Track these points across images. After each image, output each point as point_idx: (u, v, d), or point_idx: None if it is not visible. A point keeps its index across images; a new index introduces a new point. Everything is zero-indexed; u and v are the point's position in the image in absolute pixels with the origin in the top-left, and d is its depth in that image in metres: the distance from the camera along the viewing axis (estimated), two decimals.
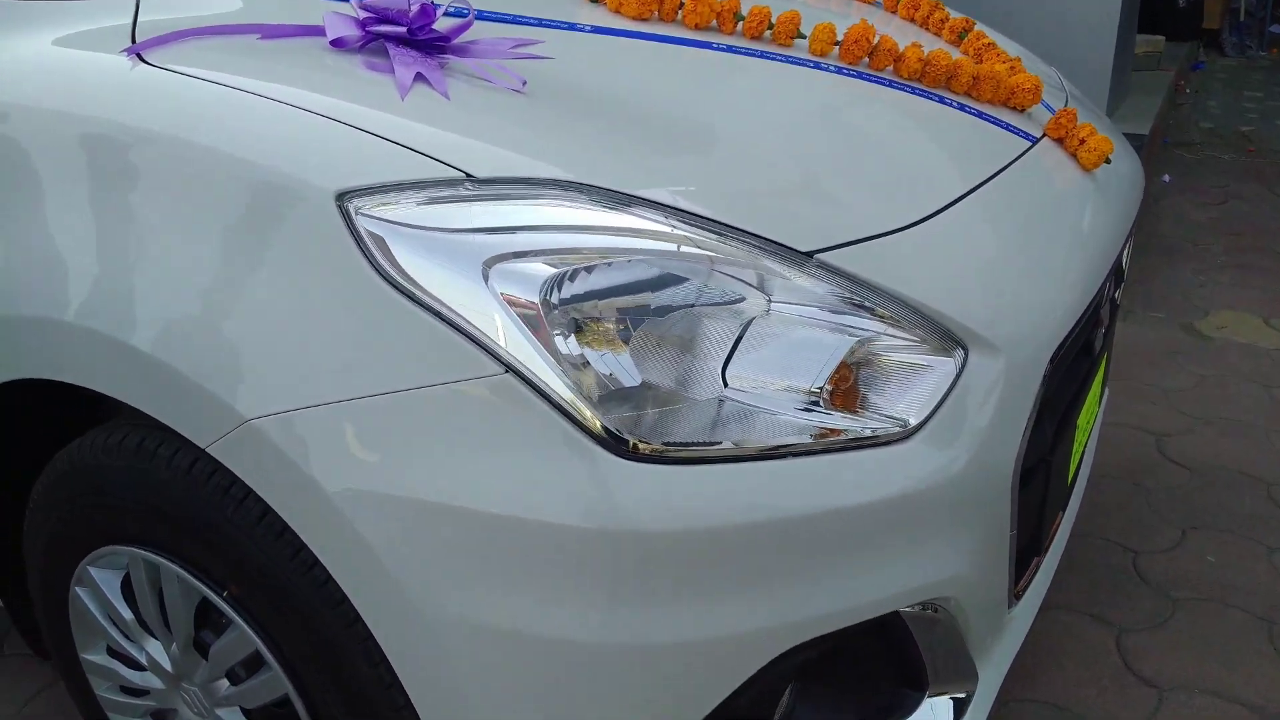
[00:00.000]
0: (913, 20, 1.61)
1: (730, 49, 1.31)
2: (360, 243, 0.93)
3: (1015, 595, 1.25)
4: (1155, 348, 2.87)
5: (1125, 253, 1.62)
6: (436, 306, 0.91)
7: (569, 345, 0.92)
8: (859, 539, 0.98)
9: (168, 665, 1.22)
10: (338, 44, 1.10)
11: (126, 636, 1.25)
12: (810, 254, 0.99)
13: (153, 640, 1.23)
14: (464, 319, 0.91)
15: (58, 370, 1.05)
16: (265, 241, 0.95)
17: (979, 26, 1.58)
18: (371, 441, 0.92)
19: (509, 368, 0.91)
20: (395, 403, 0.92)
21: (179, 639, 1.18)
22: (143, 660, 1.25)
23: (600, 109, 1.10)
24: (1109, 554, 1.98)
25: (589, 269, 0.94)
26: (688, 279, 0.96)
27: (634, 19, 1.33)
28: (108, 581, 1.22)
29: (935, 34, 1.58)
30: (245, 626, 1.09)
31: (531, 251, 0.93)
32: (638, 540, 0.92)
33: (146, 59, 1.07)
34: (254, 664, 1.13)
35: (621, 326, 0.94)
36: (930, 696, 1.14)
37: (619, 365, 0.94)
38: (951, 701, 1.16)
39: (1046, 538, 1.33)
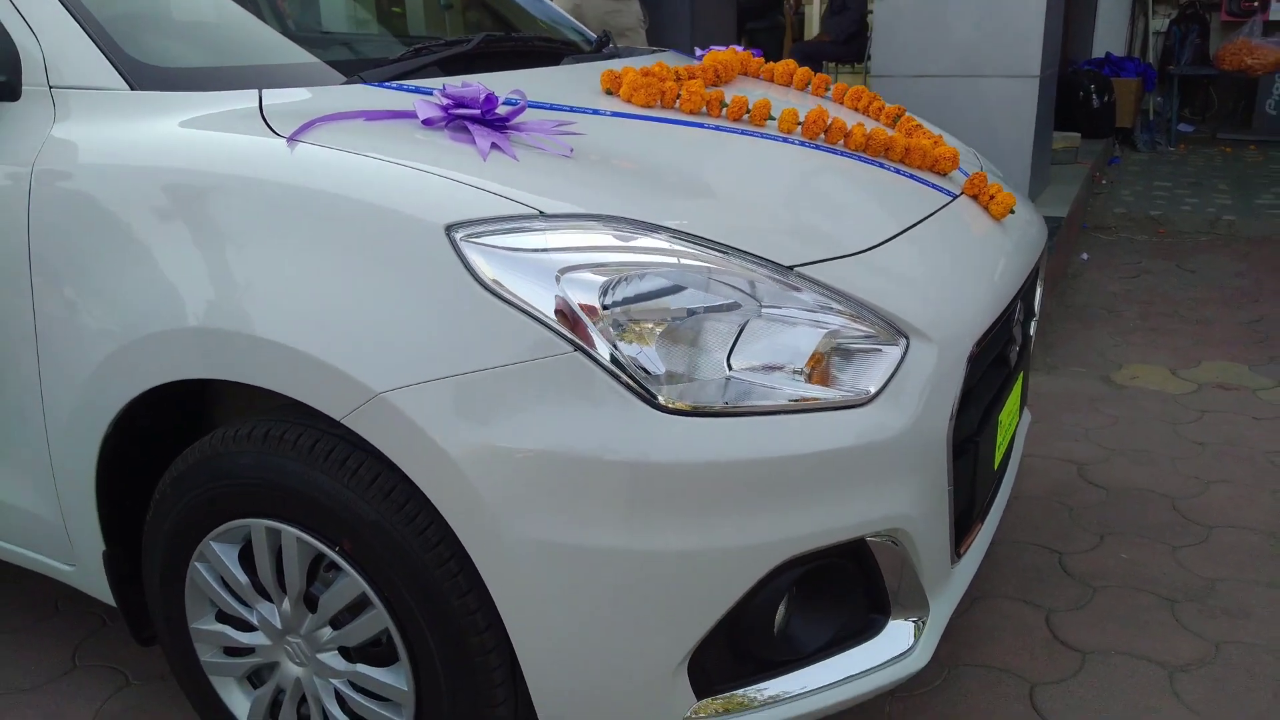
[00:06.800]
0: (856, 109, 2.00)
1: (718, 128, 1.68)
2: (464, 260, 1.26)
3: (957, 554, 1.57)
4: (1076, 396, 3.26)
5: (1038, 290, 2.00)
6: (523, 305, 1.24)
7: (618, 332, 1.25)
8: (832, 476, 1.31)
9: (277, 622, 1.49)
10: (428, 123, 1.45)
11: (240, 601, 1.52)
12: (791, 268, 1.34)
13: (264, 602, 1.50)
14: (543, 313, 1.24)
15: (228, 371, 1.35)
16: (394, 262, 1.28)
17: (909, 113, 1.97)
18: (475, 405, 1.24)
19: (577, 347, 1.23)
20: (492, 376, 1.24)
21: (291, 594, 1.46)
22: (253, 620, 1.52)
23: (627, 168, 1.46)
24: (1037, 555, 2.32)
25: (629, 278, 1.27)
26: (700, 287, 1.30)
27: (642, 106, 1.70)
28: (227, 553, 1.50)
29: (874, 118, 1.97)
30: (355, 575, 1.38)
31: (588, 265, 1.27)
32: (668, 469, 1.24)
33: (298, 139, 1.39)
34: (357, 608, 1.41)
35: (654, 321, 1.27)
36: (893, 619, 1.46)
37: (653, 349, 1.27)
38: (909, 626, 1.47)
39: (979, 510, 1.66)
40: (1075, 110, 7.35)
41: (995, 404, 1.67)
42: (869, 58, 9.04)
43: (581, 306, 1.25)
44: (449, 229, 1.27)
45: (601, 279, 1.26)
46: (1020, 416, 2.03)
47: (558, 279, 1.25)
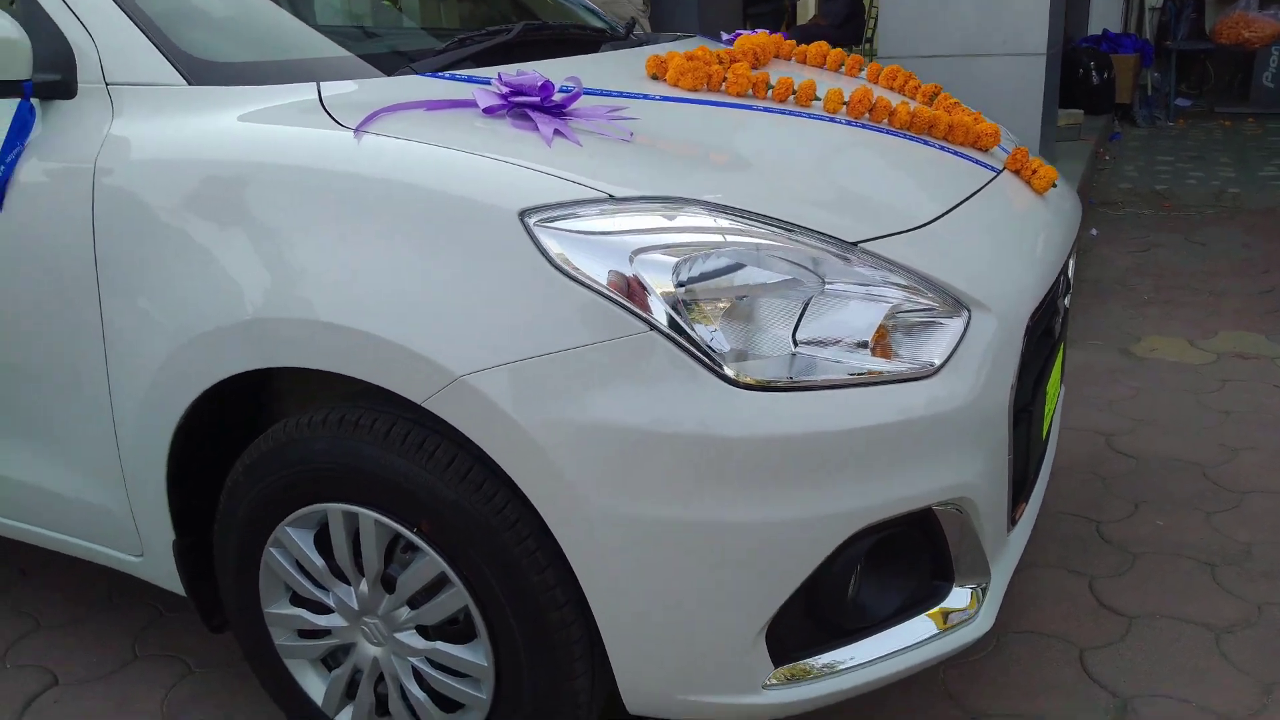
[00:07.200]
0: (892, 88, 2.03)
1: (766, 109, 1.71)
2: (538, 244, 1.28)
3: (1012, 520, 1.60)
4: (1097, 368, 3.30)
5: (1071, 263, 2.03)
6: (597, 286, 1.27)
7: (690, 310, 1.28)
8: (901, 447, 1.34)
9: (354, 604, 1.52)
10: (489, 111, 1.47)
11: (316, 584, 1.55)
12: (854, 244, 1.37)
13: (341, 585, 1.53)
14: (617, 294, 1.27)
15: (309, 359, 1.37)
16: (469, 248, 1.30)
17: (945, 90, 2.00)
18: (553, 386, 1.27)
19: (652, 326, 1.26)
20: (568, 356, 1.26)
21: (369, 576, 1.49)
22: (330, 603, 1.55)
23: (685, 151, 1.49)
24: (1075, 525, 2.35)
25: (699, 257, 1.30)
26: (766, 265, 1.33)
27: (689, 90, 1.73)
28: (303, 537, 1.53)
29: (910, 97, 1.99)
30: (434, 554, 1.41)
31: (659, 246, 1.29)
32: (743, 444, 1.27)
33: (364, 130, 1.42)
34: (434, 588, 1.45)
35: (723, 299, 1.30)
36: (957, 586, 1.49)
37: (723, 326, 1.29)
38: (970, 593, 1.51)
39: (1032, 477, 1.69)
40: (1075, 87, 7.37)
41: (1044, 374, 1.70)
42: (868, 40, 9.10)
43: (654, 286, 1.27)
44: (522, 214, 1.30)
45: (673, 259, 1.29)
46: (1061, 387, 2.06)
47: (630, 260, 1.28)
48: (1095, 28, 8.86)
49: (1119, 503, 2.44)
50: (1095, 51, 7.71)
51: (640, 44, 2.16)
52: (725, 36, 2.29)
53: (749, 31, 2.26)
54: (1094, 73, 7.56)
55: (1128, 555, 2.22)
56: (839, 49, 2.15)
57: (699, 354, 1.27)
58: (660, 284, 1.28)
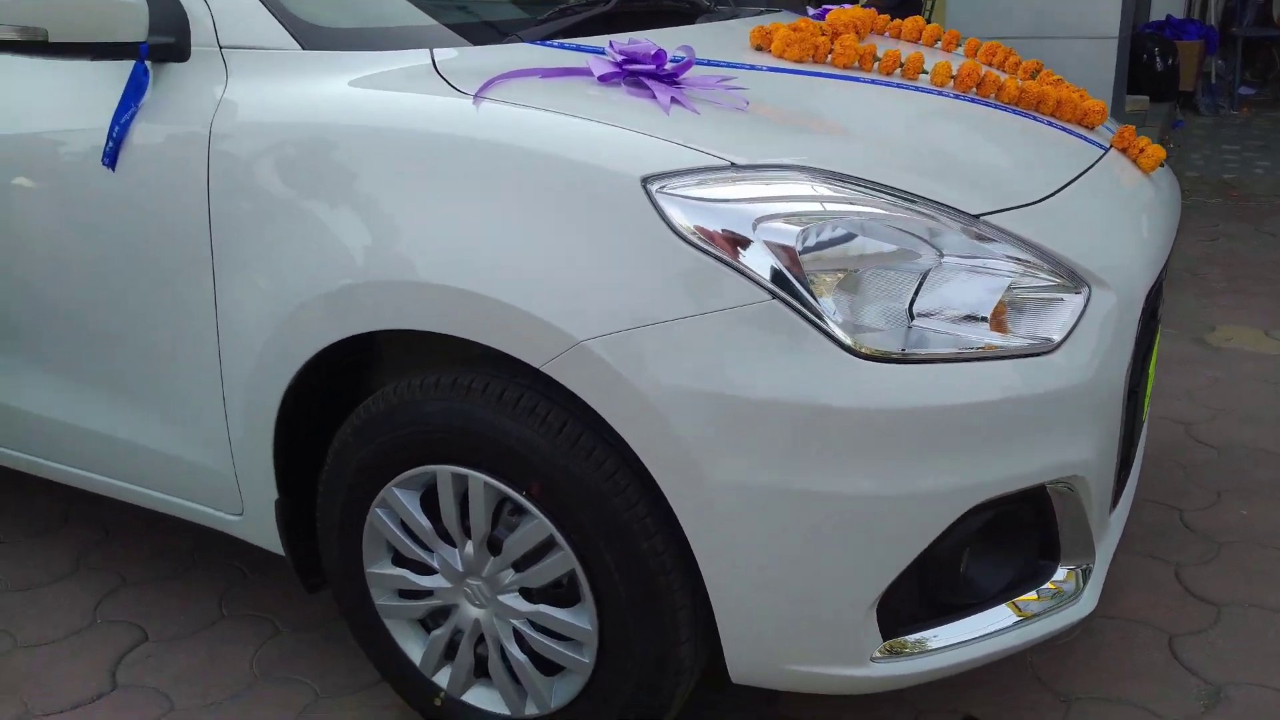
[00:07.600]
0: (990, 64, 2.00)
1: (874, 81, 1.69)
2: (661, 212, 1.28)
3: (1113, 501, 1.59)
4: (1172, 357, 3.25)
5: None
6: (719, 254, 1.27)
7: (811, 280, 1.28)
8: (1020, 423, 1.33)
9: (458, 565, 1.54)
10: (605, 79, 1.47)
11: (421, 545, 1.57)
12: (977, 216, 1.36)
13: (445, 546, 1.55)
14: (739, 262, 1.26)
15: (429, 322, 1.39)
16: (591, 215, 1.31)
17: (1046, 67, 1.98)
18: (674, 352, 1.27)
19: (774, 295, 1.26)
20: (690, 323, 1.27)
21: (476, 538, 1.50)
22: (434, 564, 1.57)
23: (802, 121, 1.48)
24: (1158, 512, 2.33)
25: (821, 226, 1.30)
26: (889, 236, 1.32)
27: (795, 61, 1.72)
28: (409, 499, 1.55)
29: (1010, 74, 1.97)
30: (542, 517, 1.42)
31: (782, 215, 1.29)
32: (864, 415, 1.26)
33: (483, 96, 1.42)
34: (541, 551, 1.46)
35: (844, 269, 1.30)
36: (1062, 566, 1.48)
37: (844, 297, 1.29)
38: (1073, 572, 1.50)
39: (1133, 456, 1.67)
40: (1139, 73, 7.25)
41: (1148, 355, 1.68)
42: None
43: (777, 255, 1.27)
44: (645, 181, 1.30)
45: (795, 228, 1.29)
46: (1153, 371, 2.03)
47: (753, 227, 1.28)
48: (1159, 13, 8.68)
49: (1201, 491, 2.41)
50: (1159, 37, 7.57)
51: (732, 16, 2.15)
52: (812, 11, 2.27)
53: (839, 5, 2.24)
54: (1157, 59, 7.42)
55: (1213, 544, 2.19)
56: (935, 24, 2.12)
57: (819, 323, 1.27)
58: (783, 252, 1.27)
